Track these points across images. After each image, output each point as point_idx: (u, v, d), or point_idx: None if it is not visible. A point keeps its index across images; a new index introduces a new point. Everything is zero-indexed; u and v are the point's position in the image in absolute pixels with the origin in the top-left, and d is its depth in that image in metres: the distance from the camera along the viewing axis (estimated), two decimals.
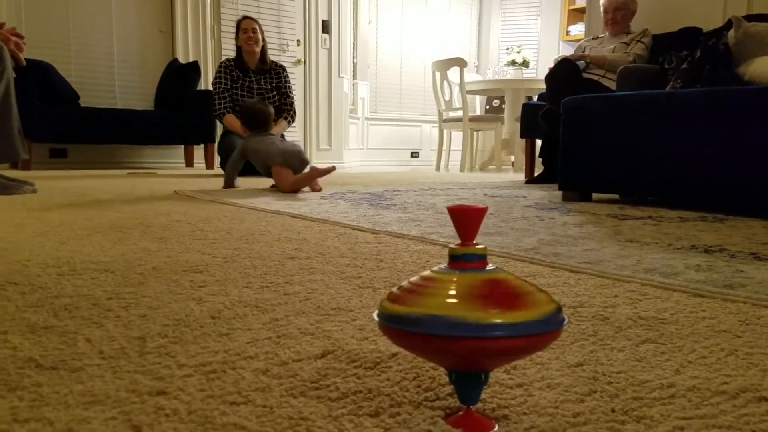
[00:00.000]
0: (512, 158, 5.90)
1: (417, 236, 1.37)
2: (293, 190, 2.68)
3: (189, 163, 5.18)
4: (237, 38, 4.05)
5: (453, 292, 0.41)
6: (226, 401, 0.49)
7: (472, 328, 0.39)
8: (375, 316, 0.45)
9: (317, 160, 6.13)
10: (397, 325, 0.42)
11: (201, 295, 0.84)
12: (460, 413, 0.46)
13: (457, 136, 6.21)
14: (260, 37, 4.02)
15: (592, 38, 3.70)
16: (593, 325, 0.72)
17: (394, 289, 0.46)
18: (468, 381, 0.45)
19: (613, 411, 0.49)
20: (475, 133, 6.19)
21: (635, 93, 2.26)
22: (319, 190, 2.76)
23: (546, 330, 0.41)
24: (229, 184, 2.94)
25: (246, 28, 4.00)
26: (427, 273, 0.45)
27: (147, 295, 0.84)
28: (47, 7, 4.77)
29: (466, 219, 0.45)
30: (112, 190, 2.68)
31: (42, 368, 0.57)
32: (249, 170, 3.24)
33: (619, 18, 3.50)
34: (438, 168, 6.00)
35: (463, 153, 5.69)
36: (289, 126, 4.11)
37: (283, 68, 4.17)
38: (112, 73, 5.11)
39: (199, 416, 0.47)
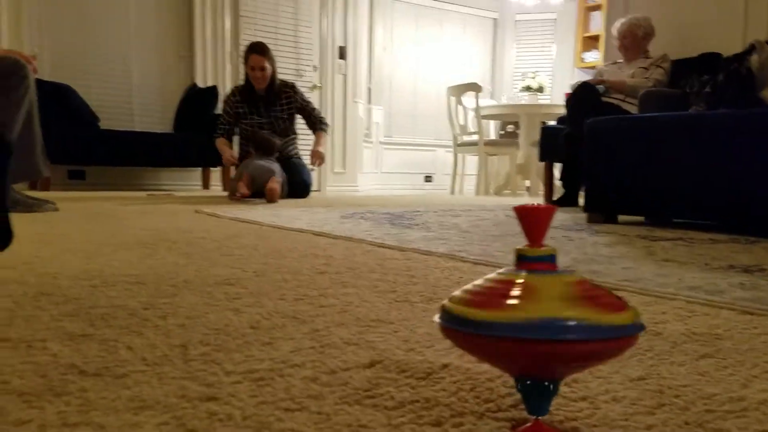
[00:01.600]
0: (527, 183, 5.88)
1: (446, 253, 1.35)
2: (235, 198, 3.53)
3: (206, 185, 5.21)
4: (246, 65, 3.89)
5: (531, 295, 0.39)
6: (280, 407, 0.47)
7: (559, 330, 0.37)
8: (437, 319, 0.44)
9: (331, 184, 6.15)
10: (472, 329, 0.39)
11: (237, 306, 0.82)
12: (528, 425, 0.44)
13: (471, 161, 6.21)
14: (269, 72, 3.85)
15: (611, 63, 3.71)
16: (647, 340, 0.69)
17: (457, 293, 0.44)
18: (539, 390, 0.42)
19: (687, 423, 0.46)
20: (489, 157, 6.19)
21: (661, 114, 2.24)
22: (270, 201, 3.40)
23: (629, 333, 0.39)
24: (231, 191, 3.63)
25: (254, 65, 3.81)
26: (494, 275, 0.43)
27: (182, 305, 0.82)
28: (68, 31, 4.86)
29: (534, 219, 0.44)
30: (132, 210, 2.69)
31: (85, 374, 0.55)
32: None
33: (627, 44, 3.52)
34: (453, 192, 5.99)
35: (478, 177, 5.68)
36: (326, 134, 4.17)
37: (293, 87, 4.02)
38: (132, 96, 5.19)
39: (254, 422, 0.45)
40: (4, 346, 0.63)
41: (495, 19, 7.68)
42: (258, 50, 3.85)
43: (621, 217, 2.44)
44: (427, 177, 7.40)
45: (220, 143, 3.97)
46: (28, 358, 0.59)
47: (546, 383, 0.42)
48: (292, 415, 0.46)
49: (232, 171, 4.07)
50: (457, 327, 0.41)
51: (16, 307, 0.80)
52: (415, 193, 6.24)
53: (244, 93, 3.96)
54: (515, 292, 0.40)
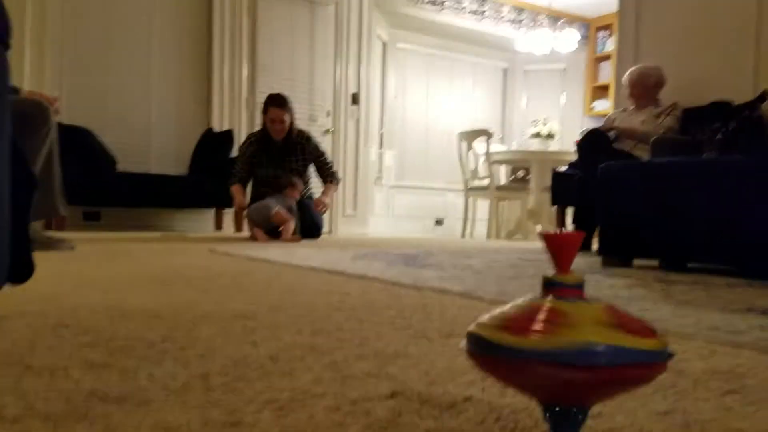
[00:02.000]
0: (539, 228, 5.87)
1: (461, 292, 1.34)
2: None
3: (218, 226, 5.24)
4: (264, 116, 3.93)
5: (565, 321, 0.39)
6: None
7: (599, 355, 0.37)
8: (463, 344, 0.44)
9: (343, 226, 6.17)
10: (510, 355, 0.39)
11: (255, 339, 0.82)
12: None
13: (481, 205, 6.23)
14: (287, 125, 3.88)
15: (622, 110, 3.75)
16: (670, 376, 0.68)
17: (485, 319, 0.44)
18: (567, 418, 0.42)
19: None
20: (500, 202, 6.21)
21: (673, 159, 2.26)
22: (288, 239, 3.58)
23: (664, 358, 0.39)
24: (250, 229, 3.80)
25: (274, 118, 3.85)
26: (523, 301, 0.44)
27: (200, 338, 0.83)
28: (90, 74, 4.98)
29: (562, 246, 0.44)
30: (147, 248, 2.71)
31: (108, 400, 0.55)
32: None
33: (636, 93, 3.56)
34: (463, 235, 5.99)
35: (489, 221, 5.68)
36: (336, 187, 4.20)
37: (309, 139, 4.06)
38: (150, 139, 5.29)
39: None
40: (26, 373, 0.64)
41: (505, 69, 7.83)
42: (278, 103, 3.86)
43: (635, 262, 2.42)
44: (437, 220, 7.41)
45: (234, 189, 4.02)
46: (51, 384, 0.59)
47: (575, 410, 0.42)
48: None
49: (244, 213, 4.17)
50: (491, 353, 0.41)
51: (37, 338, 0.81)
52: (426, 236, 6.24)
53: (261, 142, 4.00)
54: (549, 318, 0.40)
